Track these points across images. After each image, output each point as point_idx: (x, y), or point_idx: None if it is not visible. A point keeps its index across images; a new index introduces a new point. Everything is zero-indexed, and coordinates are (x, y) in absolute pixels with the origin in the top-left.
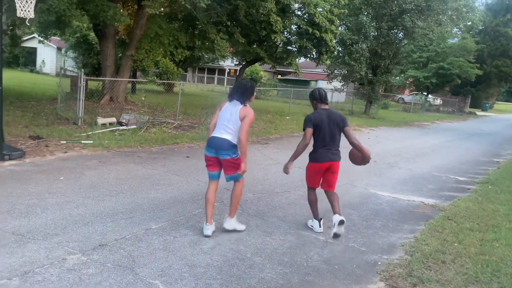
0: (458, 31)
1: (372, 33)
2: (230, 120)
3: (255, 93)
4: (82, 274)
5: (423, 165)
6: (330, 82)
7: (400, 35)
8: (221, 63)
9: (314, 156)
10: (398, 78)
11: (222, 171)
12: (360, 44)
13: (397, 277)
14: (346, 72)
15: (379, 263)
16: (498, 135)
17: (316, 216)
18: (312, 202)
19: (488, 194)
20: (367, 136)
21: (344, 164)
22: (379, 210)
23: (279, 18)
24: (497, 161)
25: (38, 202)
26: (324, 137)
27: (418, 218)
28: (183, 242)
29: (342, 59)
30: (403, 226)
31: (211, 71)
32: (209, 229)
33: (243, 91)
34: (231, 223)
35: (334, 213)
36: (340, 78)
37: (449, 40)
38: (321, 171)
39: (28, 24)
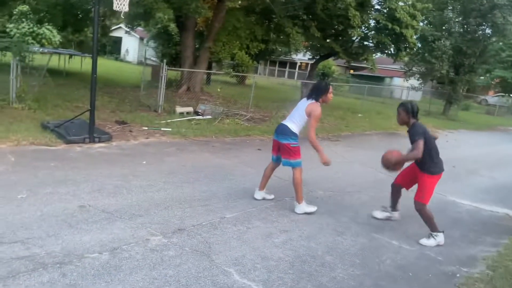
0: None
1: (458, 29)
2: (296, 112)
3: (331, 93)
4: (164, 255)
5: (508, 174)
6: (407, 80)
7: (489, 31)
8: (293, 56)
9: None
10: (482, 78)
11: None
12: (443, 41)
13: None
14: (425, 70)
15: (458, 275)
16: None
17: (437, 228)
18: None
19: None
20: (446, 139)
21: None
22: (458, 219)
23: (357, 13)
24: None
25: (124, 183)
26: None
27: (502, 231)
28: (255, 233)
29: (421, 56)
30: (485, 238)
31: (283, 64)
32: (258, 193)
33: (317, 89)
34: (300, 208)
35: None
36: (418, 76)
37: None
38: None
39: (123, 17)
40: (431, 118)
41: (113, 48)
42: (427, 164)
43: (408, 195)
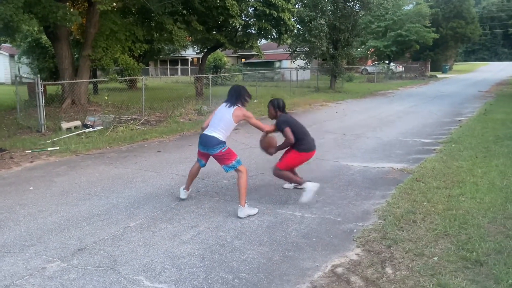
0: None
1: (329, 8)
2: (221, 120)
3: (249, 96)
4: (64, 281)
5: (390, 132)
6: (293, 61)
7: (357, 7)
8: (183, 53)
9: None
10: (359, 50)
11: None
12: (318, 20)
13: (372, 241)
14: (308, 49)
15: (355, 230)
16: (459, 95)
17: (301, 181)
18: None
19: (452, 152)
20: (335, 110)
21: (317, 139)
22: (351, 180)
23: (235, 2)
24: (459, 120)
25: (10, 215)
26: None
27: (388, 184)
28: (162, 235)
29: (302, 37)
30: (375, 192)
31: (174, 62)
32: (183, 193)
33: (237, 94)
34: (243, 211)
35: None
36: (303, 55)
37: (404, 7)
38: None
39: None
40: (321, 93)
41: None
42: (296, 144)
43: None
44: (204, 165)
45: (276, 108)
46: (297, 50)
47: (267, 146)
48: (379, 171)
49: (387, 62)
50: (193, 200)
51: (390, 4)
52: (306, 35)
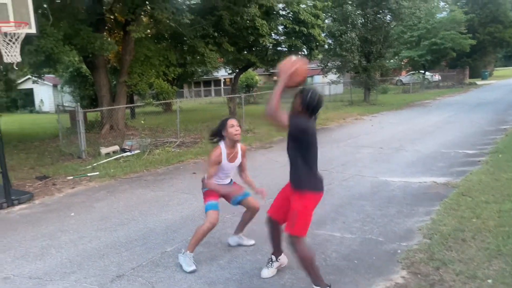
0: (445, 5)
1: (360, 21)
2: None
3: (232, 127)
4: None
5: (430, 144)
6: (325, 76)
7: (388, 18)
8: (215, 74)
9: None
10: (392, 61)
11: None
12: (349, 34)
13: (418, 263)
14: (340, 63)
15: (399, 251)
16: (501, 101)
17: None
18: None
19: (499, 163)
20: (370, 123)
21: (352, 154)
22: (391, 197)
23: (264, 22)
24: (504, 129)
25: (52, 242)
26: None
27: (432, 199)
28: (199, 260)
29: (333, 51)
30: (418, 209)
31: (207, 83)
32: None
33: (218, 128)
34: (183, 258)
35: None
36: (335, 70)
37: (437, 15)
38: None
39: (16, 69)
40: (355, 107)
41: (26, 101)
42: (303, 175)
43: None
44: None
45: (306, 106)
46: (329, 64)
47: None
48: (420, 186)
49: (423, 71)
50: (228, 223)
51: (422, 13)
52: (337, 49)
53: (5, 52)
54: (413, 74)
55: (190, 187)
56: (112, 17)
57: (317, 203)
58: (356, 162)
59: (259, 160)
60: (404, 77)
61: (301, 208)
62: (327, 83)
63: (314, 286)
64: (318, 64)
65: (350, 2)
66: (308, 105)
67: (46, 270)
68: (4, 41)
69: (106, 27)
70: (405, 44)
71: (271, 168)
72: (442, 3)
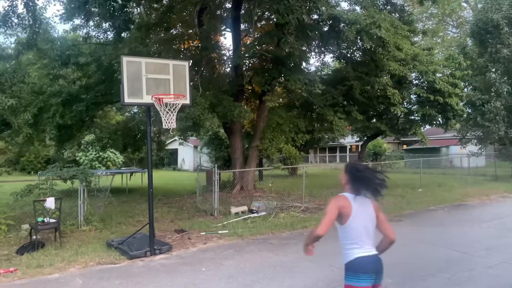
0: None
1: (506, 89)
2: (371, 223)
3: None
4: None
5: None
6: (464, 147)
7: None
8: (342, 140)
9: None
10: None
11: None
12: (493, 103)
13: None
14: (481, 134)
15: None
16: None
17: None
18: None
19: None
20: None
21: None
22: None
23: (396, 91)
24: None
25: None
26: None
27: None
28: None
29: (474, 121)
30: None
31: (332, 149)
32: None
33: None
34: None
35: None
36: (475, 141)
37: None
38: None
39: (172, 133)
40: (501, 182)
41: (170, 159)
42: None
43: None
44: None
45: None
46: (468, 135)
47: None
48: None
49: None
50: None
51: None
52: (478, 119)
53: (164, 120)
54: None
55: (313, 256)
56: (250, 88)
57: None
58: (504, 247)
59: None
60: None
61: None
62: (466, 155)
63: None
64: (455, 134)
65: (493, 70)
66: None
67: None
68: (165, 110)
69: (244, 97)
70: None
71: (400, 244)
72: None
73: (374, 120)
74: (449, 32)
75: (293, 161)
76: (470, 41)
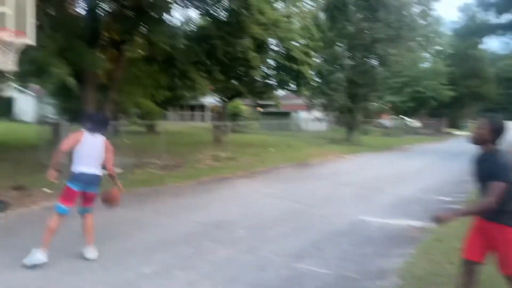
0: (429, 56)
1: (348, 63)
2: (94, 153)
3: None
4: None
5: (409, 188)
6: (310, 112)
7: (375, 63)
8: (202, 100)
9: None
10: (376, 104)
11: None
12: (337, 74)
13: None
14: (326, 101)
15: None
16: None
17: None
18: None
19: None
20: (351, 163)
21: (334, 192)
22: (369, 236)
23: (256, 55)
24: None
25: None
26: None
27: (407, 242)
28: (175, 285)
29: (321, 90)
30: (394, 251)
31: (193, 108)
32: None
33: (102, 123)
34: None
35: None
36: (321, 107)
37: (421, 64)
38: None
39: (9, 77)
40: (337, 145)
41: (6, 109)
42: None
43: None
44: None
45: (495, 132)
46: (315, 102)
47: (111, 199)
48: (398, 228)
49: (403, 117)
50: (209, 249)
51: (406, 62)
52: (324, 88)
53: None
54: (395, 119)
55: (170, 211)
56: (107, 35)
57: None
58: (337, 200)
59: (240, 189)
60: (386, 121)
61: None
62: (311, 120)
63: None
64: (305, 100)
65: (341, 45)
66: (499, 131)
67: None
68: (0, 48)
69: (101, 45)
70: (389, 89)
71: (253, 198)
72: (426, 54)
73: (234, 82)
74: (305, 3)
75: (152, 118)
76: (324, 15)
